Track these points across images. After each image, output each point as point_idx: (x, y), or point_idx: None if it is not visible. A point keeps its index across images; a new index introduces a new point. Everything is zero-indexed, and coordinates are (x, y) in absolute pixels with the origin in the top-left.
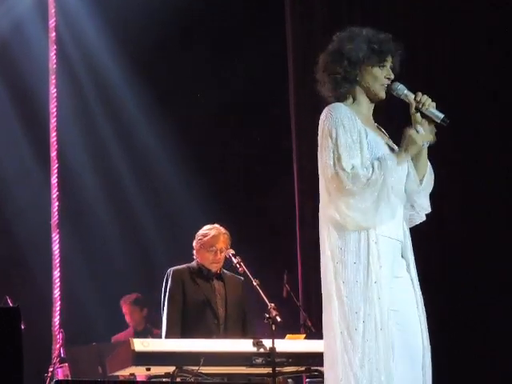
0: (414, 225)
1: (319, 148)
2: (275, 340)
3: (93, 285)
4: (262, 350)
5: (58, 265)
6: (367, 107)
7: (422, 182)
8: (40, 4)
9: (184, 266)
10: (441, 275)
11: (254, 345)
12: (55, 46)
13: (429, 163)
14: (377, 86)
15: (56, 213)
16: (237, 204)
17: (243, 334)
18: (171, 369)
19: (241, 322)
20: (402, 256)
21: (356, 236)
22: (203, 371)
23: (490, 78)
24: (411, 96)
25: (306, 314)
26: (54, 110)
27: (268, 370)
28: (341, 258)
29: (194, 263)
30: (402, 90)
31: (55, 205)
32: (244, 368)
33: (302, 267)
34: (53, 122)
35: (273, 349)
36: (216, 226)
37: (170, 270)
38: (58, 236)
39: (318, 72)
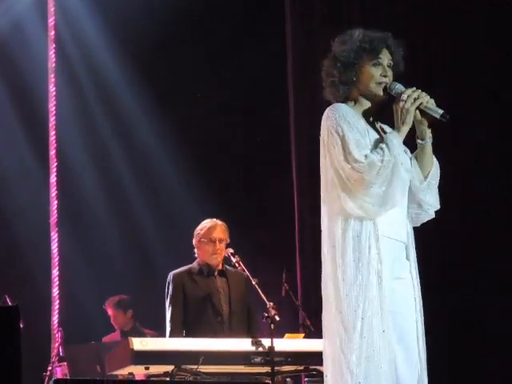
0: (421, 223)
1: (325, 148)
2: (274, 339)
3: (92, 284)
4: (260, 349)
5: (56, 264)
6: (369, 108)
7: (427, 178)
8: (39, 3)
9: (184, 268)
10: (441, 275)
11: (252, 344)
12: (54, 45)
13: (435, 158)
14: (373, 84)
15: (55, 212)
16: (237, 204)
17: (249, 330)
18: (170, 368)
19: (246, 318)
20: (407, 257)
21: (356, 235)
22: (202, 370)
23: (490, 78)
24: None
25: (305, 313)
26: (53, 108)
27: (267, 369)
28: (341, 256)
29: (194, 264)
30: (399, 88)
31: (54, 204)
32: (243, 367)
33: (300, 266)
34: (52, 120)
35: (272, 348)
36: (212, 219)
37: (171, 275)
38: (57, 235)
39: (323, 77)
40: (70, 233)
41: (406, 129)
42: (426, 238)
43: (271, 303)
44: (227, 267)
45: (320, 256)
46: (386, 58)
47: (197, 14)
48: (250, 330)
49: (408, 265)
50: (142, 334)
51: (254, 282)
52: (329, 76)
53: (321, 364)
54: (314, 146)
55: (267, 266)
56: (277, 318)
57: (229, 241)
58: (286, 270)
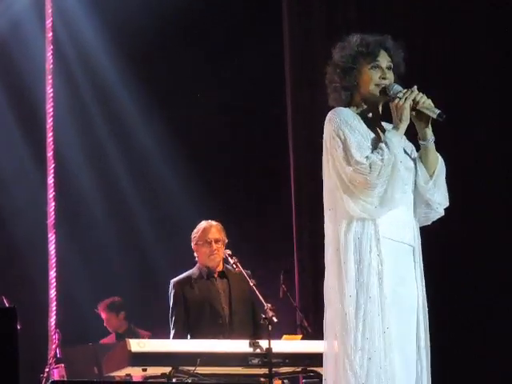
0: (431, 222)
1: (327, 152)
2: (272, 340)
3: (89, 285)
4: (258, 350)
5: (54, 265)
6: (371, 111)
7: (433, 176)
8: (37, 4)
9: (184, 274)
10: (441, 275)
11: (250, 345)
12: (52, 46)
13: (439, 156)
14: (373, 87)
15: (52, 213)
16: (236, 204)
17: (255, 330)
18: (167, 369)
19: (250, 318)
20: (414, 260)
21: (358, 237)
22: (199, 372)
23: (490, 78)
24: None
25: (303, 315)
26: (51, 110)
27: (264, 370)
28: (344, 258)
29: (194, 269)
30: (397, 89)
31: (52, 205)
32: (240, 368)
33: (298, 268)
34: (49, 122)
35: (269, 349)
36: (207, 220)
37: (171, 283)
38: (54, 236)
39: (326, 84)
40: (67, 234)
41: (403, 126)
42: (426, 237)
43: (269, 305)
44: (228, 267)
45: (318, 258)
46: (384, 60)
47: (197, 14)
48: (255, 329)
49: (413, 266)
50: (137, 336)
51: (251, 284)
52: (331, 82)
53: (319, 365)
54: (312, 146)
55: (265, 267)
56: (274, 320)
57: (226, 241)
58: (284, 271)
